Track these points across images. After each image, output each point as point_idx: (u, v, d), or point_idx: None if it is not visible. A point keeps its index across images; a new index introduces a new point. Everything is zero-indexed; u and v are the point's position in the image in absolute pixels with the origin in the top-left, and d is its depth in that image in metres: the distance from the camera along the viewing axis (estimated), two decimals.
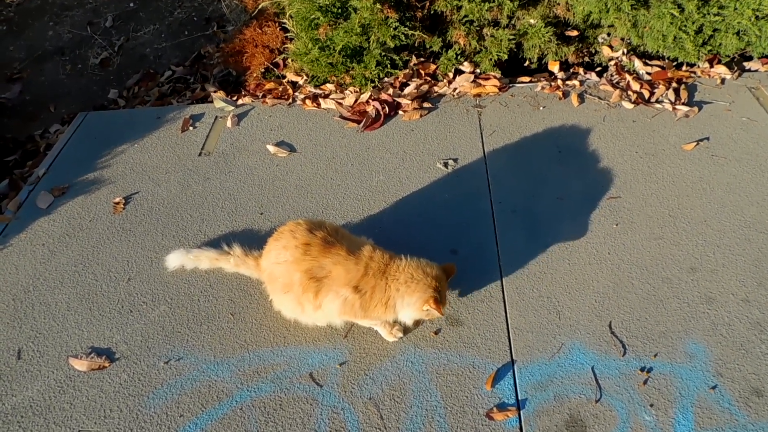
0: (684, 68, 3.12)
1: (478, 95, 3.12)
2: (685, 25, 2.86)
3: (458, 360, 1.96)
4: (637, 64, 3.11)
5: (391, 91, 3.16)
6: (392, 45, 3.07)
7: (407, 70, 3.24)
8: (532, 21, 3.07)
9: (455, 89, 3.16)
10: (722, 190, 2.46)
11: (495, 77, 3.16)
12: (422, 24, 3.15)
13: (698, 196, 2.45)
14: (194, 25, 4.40)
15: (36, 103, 3.90)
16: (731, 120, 2.80)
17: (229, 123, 3.13)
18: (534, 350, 1.97)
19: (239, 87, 3.52)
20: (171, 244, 2.46)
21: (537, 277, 2.20)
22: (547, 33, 3.03)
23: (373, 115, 3.03)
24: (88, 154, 3.03)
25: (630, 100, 2.96)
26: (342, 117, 3.08)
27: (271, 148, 2.92)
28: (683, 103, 2.91)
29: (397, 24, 2.99)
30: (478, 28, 3.14)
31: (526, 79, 3.22)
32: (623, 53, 3.16)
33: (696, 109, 2.87)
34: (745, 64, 3.12)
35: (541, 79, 3.19)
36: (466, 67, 3.21)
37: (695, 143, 2.69)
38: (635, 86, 3.02)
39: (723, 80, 3.03)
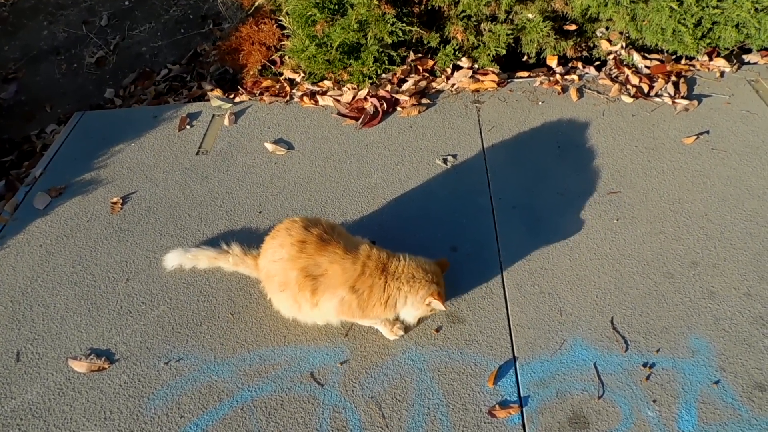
0: (683, 61, 3.11)
1: (477, 91, 3.10)
2: (684, 18, 2.85)
3: (460, 357, 1.95)
4: (636, 57, 3.10)
5: (389, 87, 3.14)
6: (390, 41, 3.05)
7: (405, 66, 3.22)
8: (530, 15, 3.05)
9: (453, 85, 3.14)
10: (723, 183, 2.45)
11: (493, 72, 3.14)
12: (420, 20, 3.13)
13: (699, 190, 2.44)
14: (190, 23, 4.37)
15: (32, 103, 3.88)
16: (731, 113, 2.79)
17: (226, 121, 3.11)
18: (536, 347, 1.96)
19: (236, 85, 3.50)
20: (169, 244, 2.44)
21: (538, 273, 2.19)
22: (545, 27, 3.01)
23: (371, 112, 3.02)
24: (84, 154, 3.01)
25: (629, 94, 2.94)
26: (340, 114, 3.07)
27: (269, 146, 2.91)
28: (683, 97, 2.90)
29: (394, 20, 2.97)
30: (476, 23, 3.12)
31: (525, 74, 3.20)
32: (622, 47, 3.15)
33: (695, 102, 2.86)
34: (744, 56, 3.11)
35: (540, 74, 3.17)
36: (464, 62, 3.19)
37: (695, 137, 2.68)
38: (634, 80, 3.00)
39: (722, 73, 3.02)
